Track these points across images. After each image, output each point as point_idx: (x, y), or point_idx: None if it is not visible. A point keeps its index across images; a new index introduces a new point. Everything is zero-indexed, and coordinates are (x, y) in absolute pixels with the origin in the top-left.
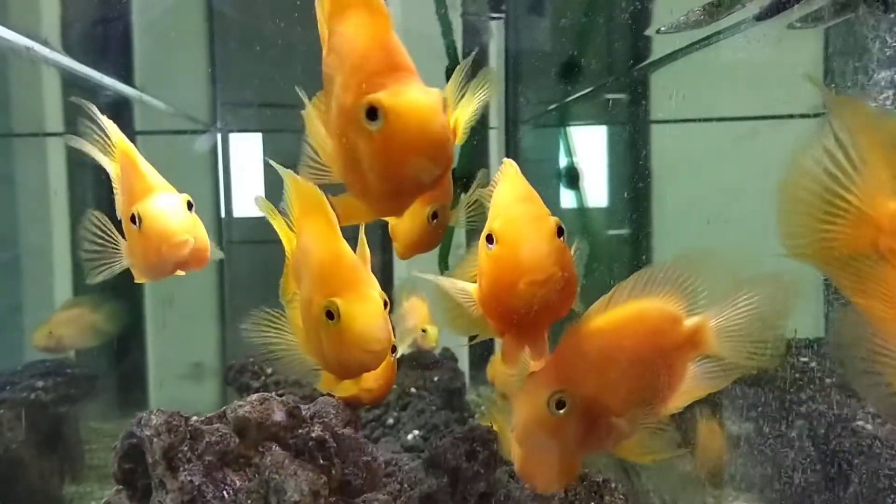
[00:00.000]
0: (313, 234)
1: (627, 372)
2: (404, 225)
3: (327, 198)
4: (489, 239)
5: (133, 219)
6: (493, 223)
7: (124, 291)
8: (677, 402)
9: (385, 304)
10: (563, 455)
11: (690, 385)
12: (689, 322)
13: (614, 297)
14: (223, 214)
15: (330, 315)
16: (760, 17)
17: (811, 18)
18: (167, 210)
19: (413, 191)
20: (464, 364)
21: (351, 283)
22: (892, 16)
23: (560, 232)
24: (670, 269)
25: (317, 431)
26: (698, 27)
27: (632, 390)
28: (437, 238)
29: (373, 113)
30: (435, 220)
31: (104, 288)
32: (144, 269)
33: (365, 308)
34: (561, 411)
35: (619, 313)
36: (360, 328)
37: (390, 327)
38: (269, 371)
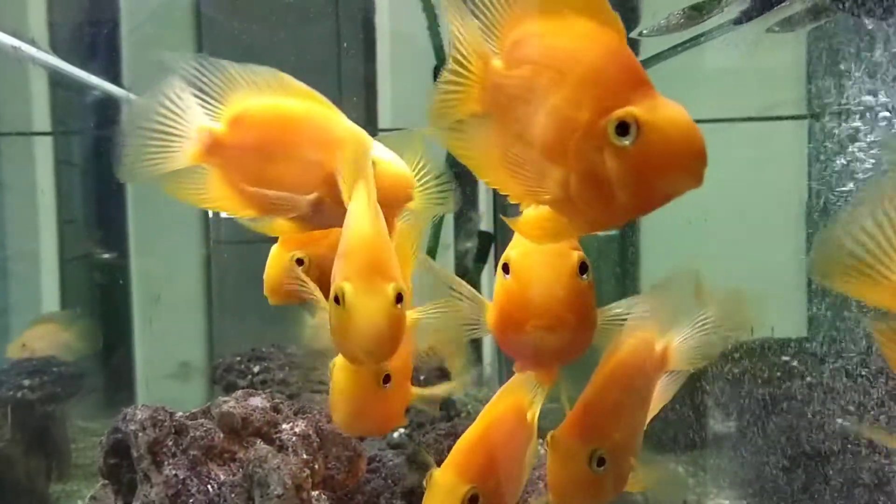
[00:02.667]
0: (353, 212)
1: (635, 411)
2: (269, 268)
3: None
4: (505, 268)
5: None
6: (510, 250)
7: (108, 294)
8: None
9: (399, 298)
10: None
11: (656, 401)
12: (659, 345)
13: (612, 347)
14: (210, 214)
15: (337, 299)
16: (738, 22)
17: (788, 23)
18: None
19: (661, 204)
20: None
21: (368, 269)
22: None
23: (583, 269)
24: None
25: (300, 427)
26: (679, 31)
27: (639, 427)
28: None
29: (624, 129)
30: (300, 268)
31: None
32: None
33: (370, 302)
34: (602, 468)
35: (617, 360)
36: (358, 322)
37: (401, 326)
38: (255, 370)
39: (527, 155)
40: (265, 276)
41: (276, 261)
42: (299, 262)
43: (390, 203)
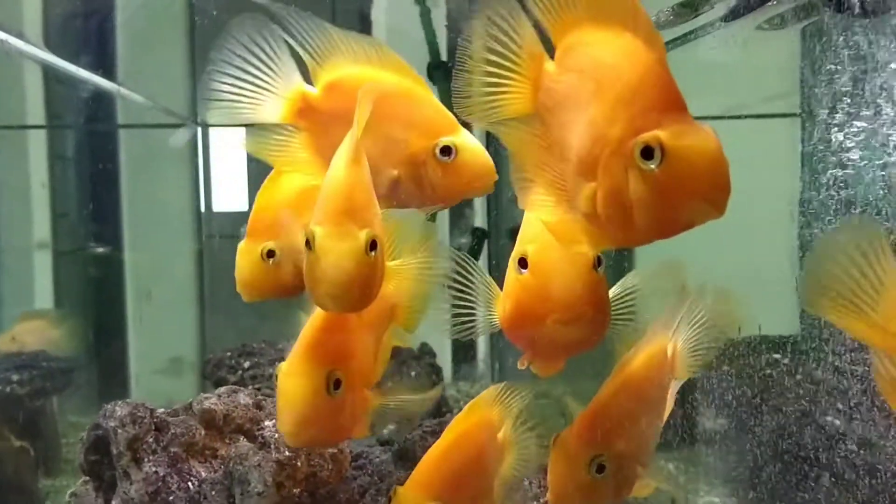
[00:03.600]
0: (335, 158)
1: (646, 420)
2: (239, 263)
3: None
4: (521, 262)
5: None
6: (525, 245)
7: (101, 288)
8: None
9: (373, 245)
10: None
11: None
12: (669, 351)
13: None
14: (202, 209)
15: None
16: (728, 19)
17: (779, 20)
18: None
19: (681, 230)
20: (445, 359)
21: (340, 214)
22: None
23: (598, 263)
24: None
25: None
26: (668, 27)
27: (650, 436)
28: (276, 282)
29: (649, 152)
30: (271, 260)
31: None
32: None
33: (339, 245)
34: (601, 475)
35: (631, 369)
36: (326, 265)
37: (374, 274)
38: (245, 365)
39: (563, 163)
40: (236, 273)
41: (247, 255)
42: (270, 253)
43: (471, 191)
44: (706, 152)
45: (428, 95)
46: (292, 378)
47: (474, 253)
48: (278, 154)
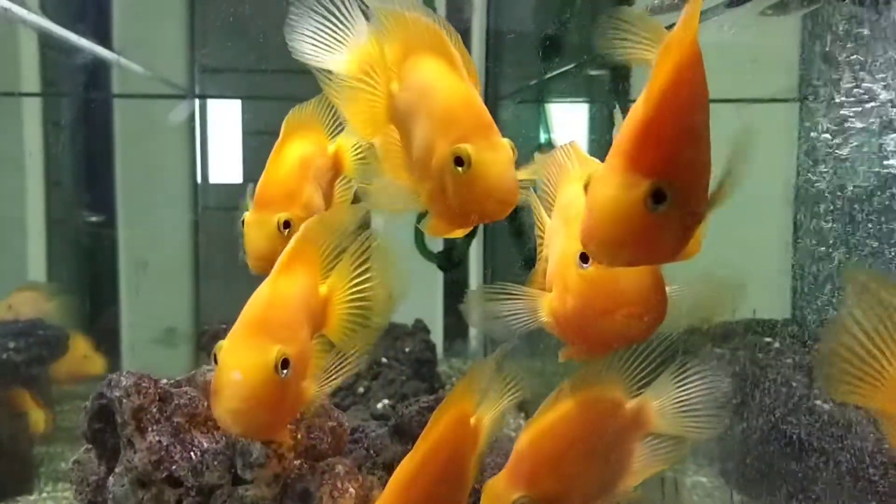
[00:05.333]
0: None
1: (582, 468)
2: (251, 235)
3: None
4: (584, 257)
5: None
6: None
7: (94, 258)
8: (630, 480)
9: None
10: None
11: (643, 463)
12: (631, 405)
13: (560, 395)
14: (199, 180)
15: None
16: (731, 4)
17: (782, 7)
18: None
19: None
20: (437, 336)
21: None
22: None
23: None
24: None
25: None
26: (674, 11)
27: (588, 483)
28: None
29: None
30: (287, 231)
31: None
32: None
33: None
34: None
35: (566, 409)
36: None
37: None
38: None
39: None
40: (249, 245)
41: (259, 227)
42: (286, 224)
43: (483, 212)
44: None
45: (468, 91)
46: (238, 354)
47: (470, 232)
48: (358, 108)
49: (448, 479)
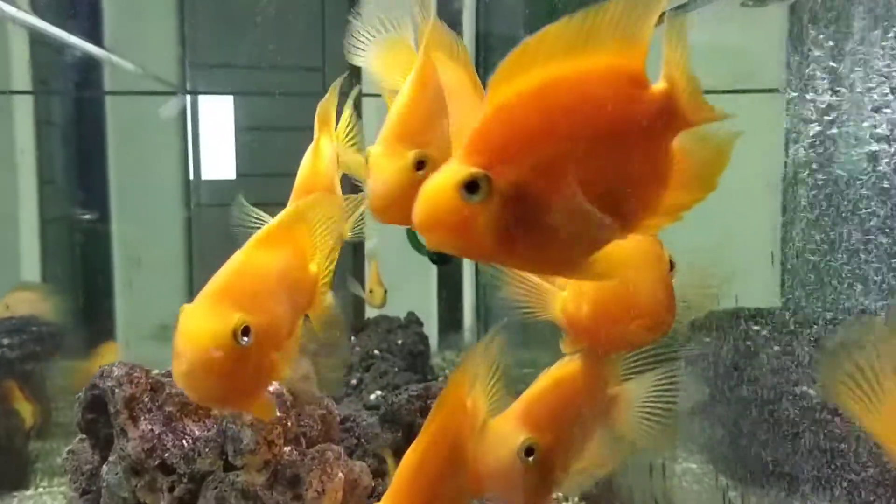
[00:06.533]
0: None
1: (576, 426)
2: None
3: None
4: None
5: None
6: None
7: (88, 256)
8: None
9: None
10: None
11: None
12: (613, 391)
13: (566, 361)
14: (192, 177)
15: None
16: None
17: None
18: None
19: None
20: (432, 328)
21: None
22: None
23: (672, 266)
24: None
25: (273, 385)
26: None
27: (578, 441)
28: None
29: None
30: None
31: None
32: None
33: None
34: (530, 458)
35: (572, 370)
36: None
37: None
38: None
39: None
40: (374, 183)
41: (391, 161)
42: (420, 165)
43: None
44: (426, 189)
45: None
46: (195, 318)
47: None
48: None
49: (453, 465)
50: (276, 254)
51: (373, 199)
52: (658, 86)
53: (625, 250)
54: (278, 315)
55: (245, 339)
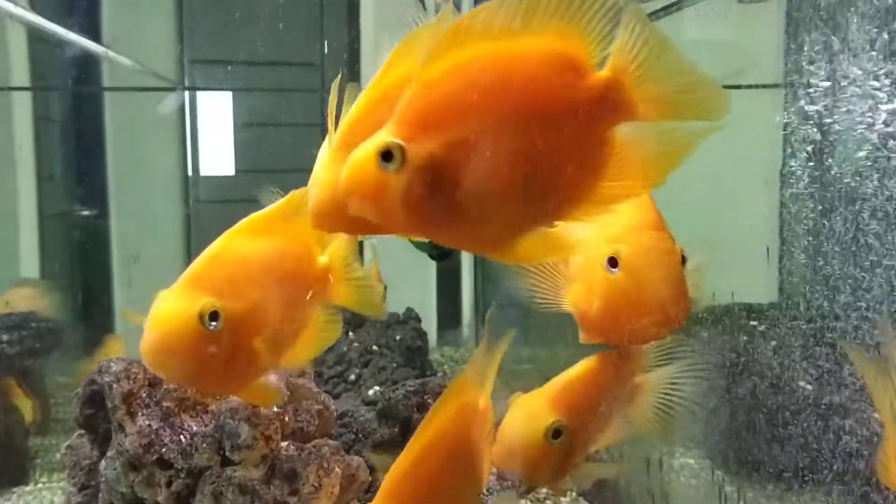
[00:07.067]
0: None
1: (602, 412)
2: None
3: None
4: (612, 262)
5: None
6: (619, 246)
7: (87, 252)
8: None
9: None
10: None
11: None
12: (637, 380)
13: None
14: (190, 173)
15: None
16: None
17: None
18: None
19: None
20: (430, 324)
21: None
22: None
23: (684, 261)
24: None
25: (272, 378)
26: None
27: (599, 426)
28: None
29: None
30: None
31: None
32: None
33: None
34: (557, 440)
35: (601, 361)
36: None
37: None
38: None
39: None
40: (314, 200)
41: (335, 175)
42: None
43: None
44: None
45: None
46: (165, 301)
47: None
48: None
49: (450, 467)
50: (262, 242)
51: (310, 207)
52: (600, 74)
53: (640, 251)
54: (259, 302)
55: (213, 323)
